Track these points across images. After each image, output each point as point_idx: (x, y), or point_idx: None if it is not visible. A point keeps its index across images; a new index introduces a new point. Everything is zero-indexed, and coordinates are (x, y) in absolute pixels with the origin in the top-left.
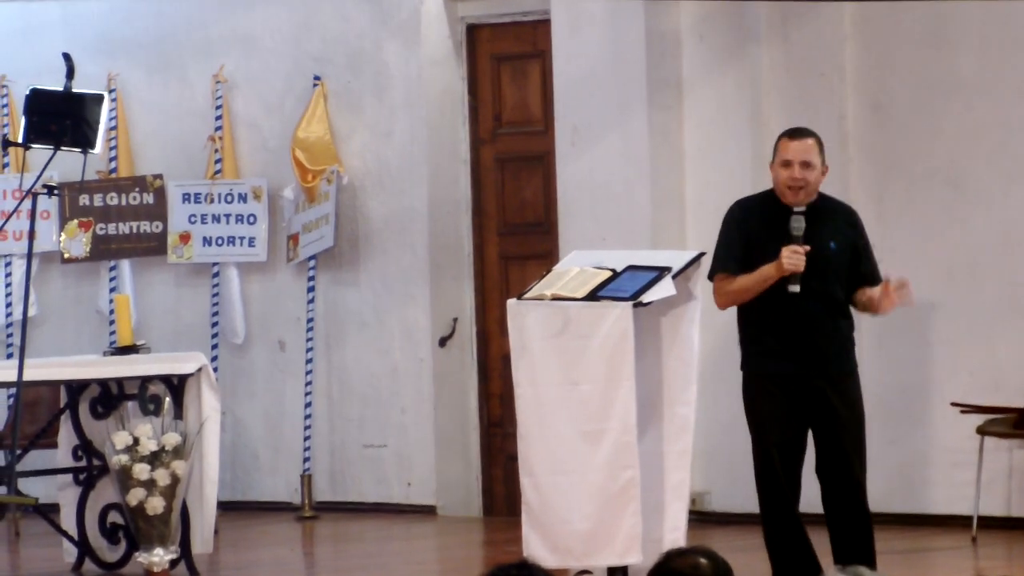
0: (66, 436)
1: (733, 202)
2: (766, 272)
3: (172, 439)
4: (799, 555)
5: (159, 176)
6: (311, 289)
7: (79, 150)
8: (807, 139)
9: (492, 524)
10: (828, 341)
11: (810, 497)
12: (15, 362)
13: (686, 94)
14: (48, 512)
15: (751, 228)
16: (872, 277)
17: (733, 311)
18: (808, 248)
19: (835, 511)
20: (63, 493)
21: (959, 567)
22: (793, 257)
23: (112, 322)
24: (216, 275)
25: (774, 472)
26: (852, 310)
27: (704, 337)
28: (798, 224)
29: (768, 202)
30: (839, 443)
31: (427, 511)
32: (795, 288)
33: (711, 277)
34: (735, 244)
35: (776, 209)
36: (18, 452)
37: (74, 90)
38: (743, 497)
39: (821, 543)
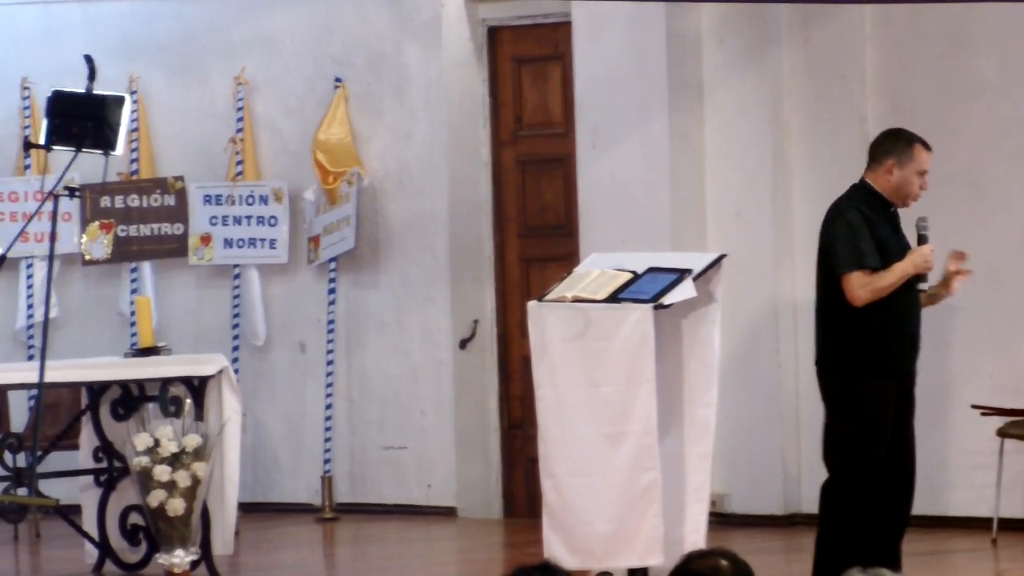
0: (87, 438)
1: (845, 204)
2: (905, 268)
3: (193, 441)
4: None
5: (180, 178)
6: (332, 291)
7: (100, 152)
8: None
9: (512, 526)
10: (920, 338)
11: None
12: (36, 364)
13: (706, 96)
14: (69, 513)
15: (877, 227)
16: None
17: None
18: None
19: (902, 508)
20: (84, 495)
21: (979, 569)
22: (929, 256)
23: (133, 324)
24: (237, 277)
25: (877, 479)
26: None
27: (724, 339)
28: (925, 223)
29: (879, 203)
30: (910, 440)
31: (447, 513)
32: (925, 286)
33: (842, 274)
34: (869, 242)
35: (886, 209)
36: (39, 454)
37: (95, 92)
38: (763, 499)
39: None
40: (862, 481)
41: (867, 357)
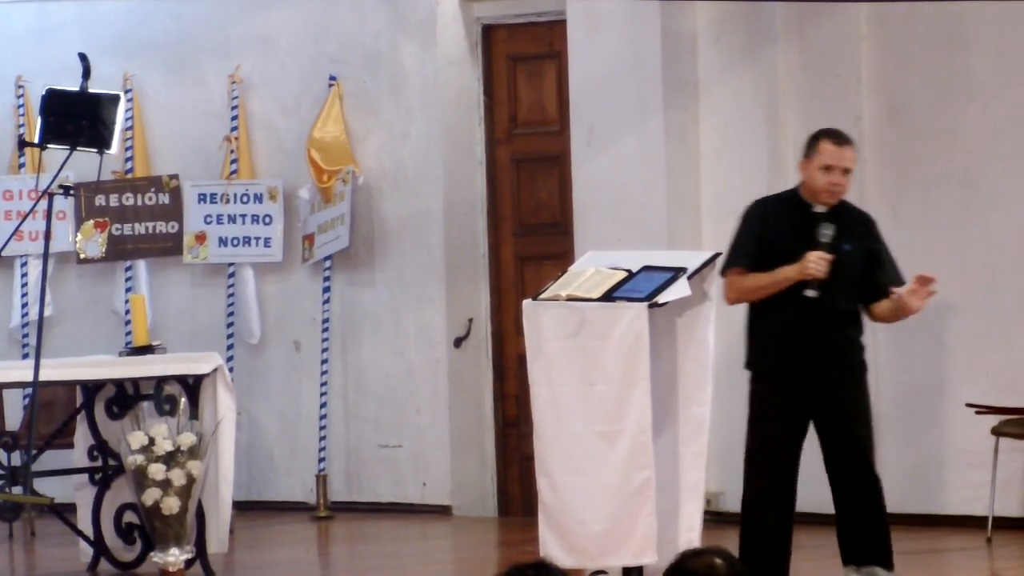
0: (82, 436)
1: (754, 200)
2: (785, 273)
3: (188, 439)
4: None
5: (175, 176)
6: (327, 289)
7: (95, 150)
8: (850, 146)
9: (507, 524)
10: (839, 343)
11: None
12: (31, 362)
13: (702, 95)
14: (64, 512)
15: (771, 227)
16: (896, 281)
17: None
18: (834, 257)
19: (852, 508)
20: (79, 493)
21: (974, 568)
22: (820, 263)
23: (128, 322)
24: (232, 275)
25: (769, 476)
26: (866, 318)
27: (719, 338)
28: (827, 231)
29: (792, 202)
30: (852, 439)
31: (442, 511)
32: (812, 293)
33: (723, 272)
34: (751, 241)
35: (800, 210)
36: (34, 452)
37: (90, 90)
38: None
39: (824, 542)
40: (749, 481)
41: (754, 358)
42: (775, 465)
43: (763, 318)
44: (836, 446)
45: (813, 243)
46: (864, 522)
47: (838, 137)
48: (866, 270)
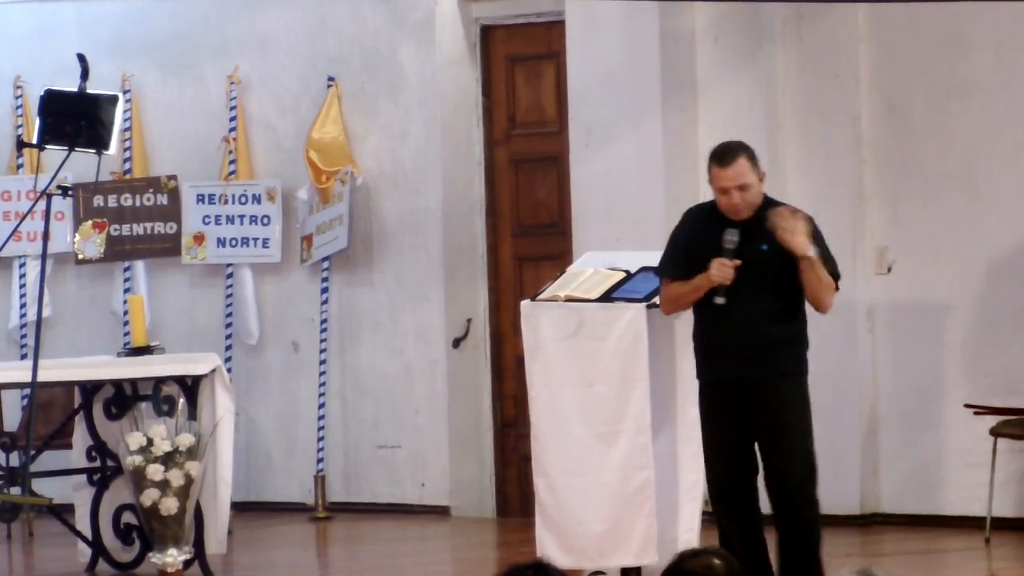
0: (80, 437)
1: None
2: (698, 281)
3: (186, 440)
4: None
5: (173, 177)
6: (325, 290)
7: (93, 151)
8: (738, 160)
9: (506, 525)
10: (761, 345)
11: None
12: (29, 363)
13: (700, 95)
14: (62, 513)
15: (696, 236)
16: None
17: None
18: (738, 263)
19: (777, 517)
20: (77, 494)
21: (972, 568)
22: (721, 270)
23: (126, 323)
24: (230, 276)
25: (717, 480)
26: (809, 310)
27: None
28: (731, 238)
29: (715, 211)
30: (773, 447)
31: (441, 512)
32: (720, 300)
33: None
34: (676, 251)
35: (719, 219)
36: (32, 453)
37: (89, 91)
38: None
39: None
40: (707, 484)
41: (697, 365)
42: (724, 467)
43: (696, 326)
44: (764, 456)
45: (718, 251)
46: (787, 533)
47: (722, 157)
48: (791, 267)
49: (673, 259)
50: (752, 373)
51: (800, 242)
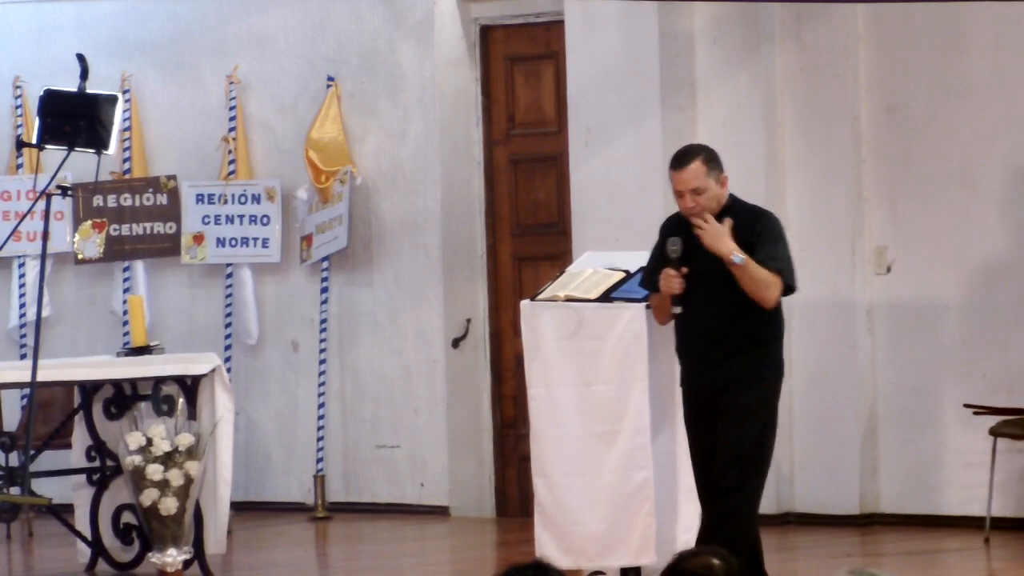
0: (80, 437)
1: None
2: (660, 294)
3: (185, 440)
4: None
5: (173, 177)
6: (324, 290)
7: (93, 151)
8: (691, 164)
9: (505, 525)
10: (721, 352)
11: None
12: (29, 363)
13: (699, 95)
14: (62, 512)
15: (663, 245)
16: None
17: None
18: (685, 270)
19: (705, 512)
20: (77, 493)
21: (972, 568)
22: (667, 281)
23: (126, 323)
24: (230, 276)
25: (698, 484)
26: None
27: None
28: (674, 248)
29: (683, 219)
30: (722, 443)
31: (440, 512)
32: (676, 310)
33: None
34: (652, 262)
35: (687, 226)
36: (31, 452)
37: (88, 91)
38: None
39: (822, 542)
40: (695, 481)
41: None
42: (700, 474)
43: (676, 334)
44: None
45: (708, 256)
46: (718, 539)
47: (677, 161)
48: None
49: (649, 270)
50: (714, 380)
51: (722, 247)
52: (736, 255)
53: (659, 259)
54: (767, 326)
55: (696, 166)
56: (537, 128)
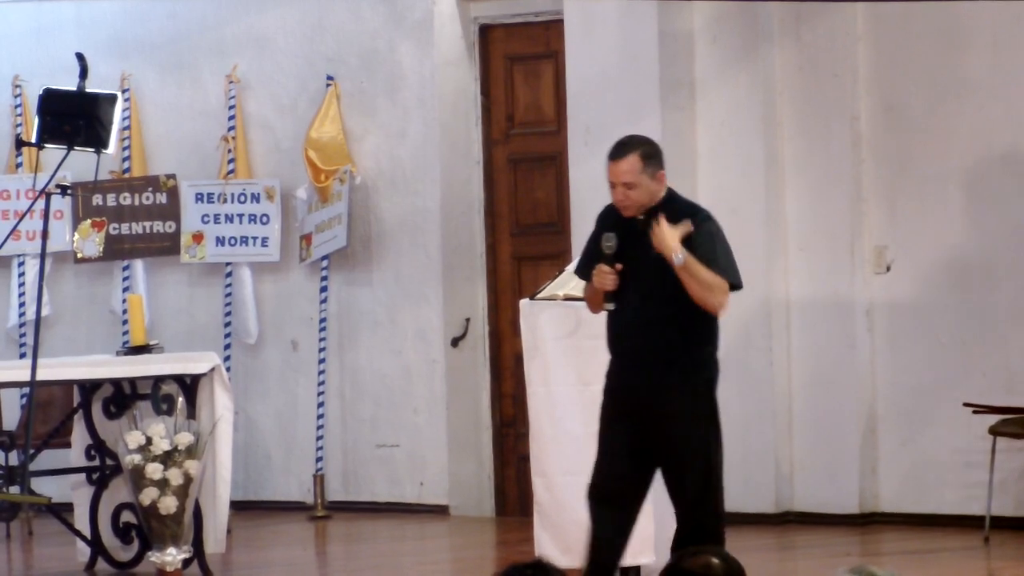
0: (79, 436)
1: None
2: (590, 287)
3: (185, 439)
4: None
5: (172, 176)
6: (324, 289)
7: (92, 150)
8: (627, 157)
9: (504, 524)
10: (654, 353)
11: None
12: (28, 362)
13: (699, 95)
14: (61, 511)
15: (598, 237)
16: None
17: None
18: (619, 267)
19: (681, 523)
20: (76, 493)
21: (971, 567)
22: (600, 276)
23: (125, 322)
24: (229, 275)
25: (600, 478)
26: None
27: None
28: (608, 243)
29: (618, 213)
30: (668, 460)
31: (439, 511)
32: (609, 306)
33: None
34: (586, 254)
35: (623, 219)
36: (31, 452)
37: (87, 90)
38: (755, 497)
39: (823, 542)
40: (592, 477)
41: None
42: (604, 467)
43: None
44: (657, 461)
45: (639, 250)
46: (681, 527)
47: (614, 152)
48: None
49: (582, 261)
50: (646, 381)
51: (666, 248)
52: (677, 255)
53: (594, 250)
54: (701, 328)
55: (632, 160)
56: (536, 128)
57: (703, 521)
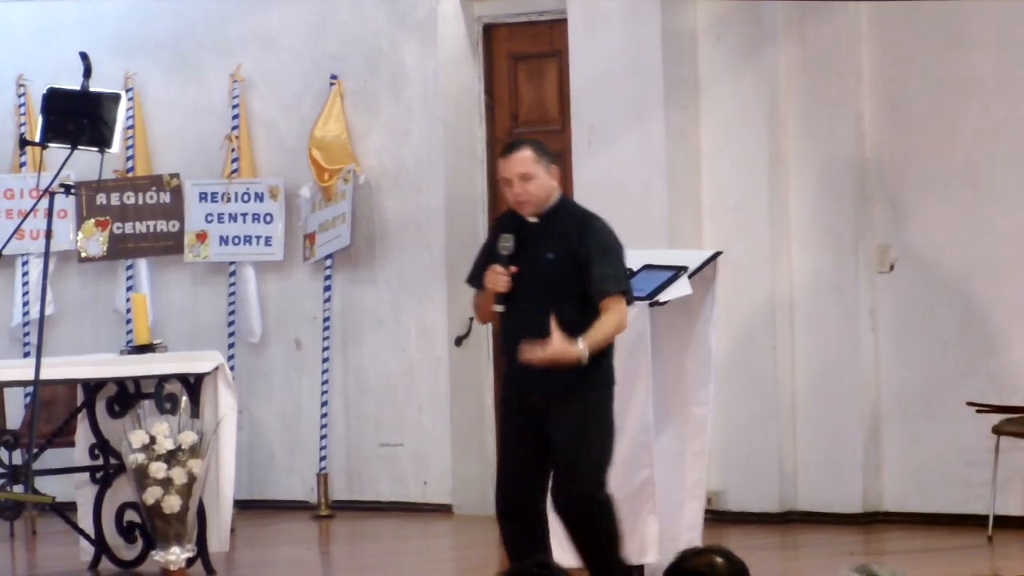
0: (83, 435)
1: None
2: (484, 291)
3: (188, 438)
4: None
5: (176, 175)
6: (327, 288)
7: (96, 149)
8: (520, 151)
9: None
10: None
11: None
12: (32, 361)
13: (703, 94)
14: (65, 511)
15: (493, 242)
16: (593, 287)
17: None
18: (513, 269)
19: (571, 528)
20: (80, 492)
21: (975, 567)
22: (493, 277)
23: (129, 321)
24: (233, 274)
25: (506, 496)
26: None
27: (720, 337)
28: (505, 244)
29: (515, 214)
30: (560, 455)
31: (443, 510)
32: (498, 308)
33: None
34: (480, 258)
35: (518, 221)
36: (35, 451)
37: (91, 89)
38: (759, 496)
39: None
40: (496, 495)
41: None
42: (505, 479)
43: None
44: (554, 461)
45: (535, 250)
46: (574, 540)
47: (506, 148)
48: (578, 276)
49: (474, 270)
50: (541, 388)
51: (566, 359)
52: (580, 356)
53: (488, 256)
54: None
55: (525, 152)
56: (540, 126)
57: (599, 517)
